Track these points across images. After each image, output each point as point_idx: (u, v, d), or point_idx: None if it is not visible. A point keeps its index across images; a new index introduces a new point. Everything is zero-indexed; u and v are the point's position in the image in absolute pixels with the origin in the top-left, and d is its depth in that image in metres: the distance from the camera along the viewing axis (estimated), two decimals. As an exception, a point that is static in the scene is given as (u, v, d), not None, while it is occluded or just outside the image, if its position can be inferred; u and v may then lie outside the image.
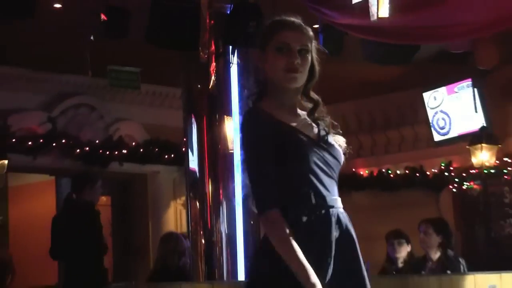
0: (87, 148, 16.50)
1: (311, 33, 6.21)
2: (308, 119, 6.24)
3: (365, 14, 9.61)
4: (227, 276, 12.47)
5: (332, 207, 5.94)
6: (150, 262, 15.52)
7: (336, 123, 6.32)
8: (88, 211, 14.06)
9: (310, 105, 6.32)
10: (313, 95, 6.35)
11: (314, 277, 5.62)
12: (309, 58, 6.12)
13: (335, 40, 13.27)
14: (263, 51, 6.15)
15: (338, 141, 6.22)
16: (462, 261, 13.43)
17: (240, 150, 6.34)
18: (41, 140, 16.06)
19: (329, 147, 6.05)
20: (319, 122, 6.22)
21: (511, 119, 17.62)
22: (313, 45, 6.20)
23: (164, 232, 15.23)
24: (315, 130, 6.14)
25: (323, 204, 5.86)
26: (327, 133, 6.16)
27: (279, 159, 5.80)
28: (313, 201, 5.81)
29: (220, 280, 12.20)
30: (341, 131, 6.25)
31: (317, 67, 6.19)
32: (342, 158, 6.15)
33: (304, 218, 5.77)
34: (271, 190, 5.77)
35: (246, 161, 5.98)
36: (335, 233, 5.92)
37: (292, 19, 6.26)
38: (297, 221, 5.73)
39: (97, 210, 14.43)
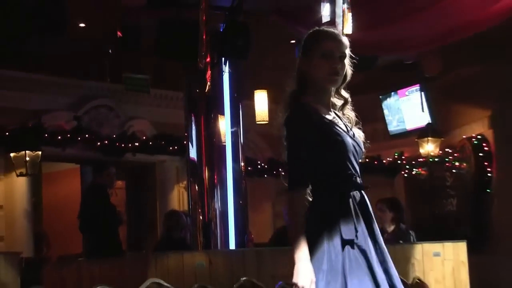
0: (106, 141, 16.53)
1: (347, 42, 6.33)
2: (337, 113, 6.30)
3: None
4: (220, 246, 12.57)
5: (363, 187, 6.04)
6: (158, 235, 15.67)
7: (358, 119, 6.37)
8: (100, 193, 14.37)
9: (339, 102, 6.36)
10: (344, 93, 6.40)
11: (303, 255, 5.75)
12: (346, 63, 6.22)
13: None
14: (306, 57, 6.27)
15: (359, 134, 6.29)
16: (412, 233, 13.59)
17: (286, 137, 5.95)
18: (68, 135, 16.10)
19: (355, 138, 6.14)
20: (346, 116, 6.34)
21: (452, 116, 17.74)
22: (348, 52, 6.29)
23: (168, 210, 15.43)
24: (343, 123, 6.21)
25: (360, 185, 5.98)
26: (352, 127, 6.27)
27: (324, 147, 5.96)
28: (358, 181, 5.96)
29: (215, 249, 12.40)
30: (361, 127, 6.27)
31: (349, 71, 6.26)
32: (363, 148, 6.22)
33: (351, 195, 5.90)
34: (300, 173, 5.92)
35: (288, 146, 5.99)
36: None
37: (333, 30, 6.41)
38: (344, 197, 5.87)
39: (106, 192, 14.63)
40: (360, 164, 6.12)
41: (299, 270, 5.78)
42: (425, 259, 12.15)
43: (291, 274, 7.60)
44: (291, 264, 5.68)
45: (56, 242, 16.14)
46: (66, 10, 11.42)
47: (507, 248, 16.30)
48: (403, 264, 11.84)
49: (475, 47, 14.13)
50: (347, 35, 9.75)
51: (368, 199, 6.01)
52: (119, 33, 12.13)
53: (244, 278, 8.91)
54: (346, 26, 9.63)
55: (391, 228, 13.37)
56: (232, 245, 12.71)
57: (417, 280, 11.58)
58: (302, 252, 5.77)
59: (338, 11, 9.58)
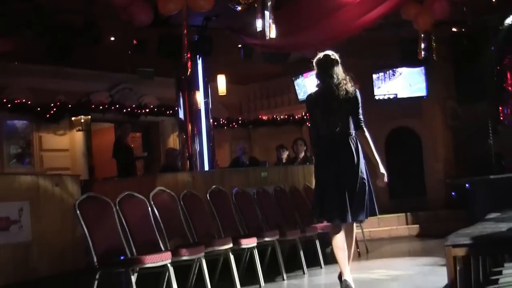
0: (128, 109, 16.58)
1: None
2: None
3: (263, 37, 9.77)
4: (199, 168, 12.73)
5: None
6: (161, 163, 15.77)
7: None
8: (119, 142, 14.83)
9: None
10: None
11: (379, 160, 6.67)
12: None
13: (248, 52, 13.47)
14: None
15: None
16: (313, 157, 13.78)
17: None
18: (106, 106, 16.11)
19: None
20: None
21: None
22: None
23: (167, 148, 15.49)
24: None
25: None
26: None
27: None
28: None
29: (196, 171, 12.49)
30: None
31: None
32: None
33: None
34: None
35: (359, 105, 6.60)
36: None
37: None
38: None
39: (125, 139, 15.27)
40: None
41: (381, 166, 6.63)
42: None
43: (245, 185, 8.14)
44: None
45: (100, 170, 16.15)
46: (101, 29, 11.47)
47: (369, 166, 16.41)
48: (309, 177, 11.82)
49: (347, 48, 14.18)
50: (271, 39, 9.92)
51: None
52: (134, 41, 12.19)
53: (214, 186, 9.00)
54: (271, 33, 9.66)
55: (301, 155, 13.46)
56: (206, 168, 12.83)
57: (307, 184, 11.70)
58: (378, 158, 6.62)
59: (266, 24, 9.60)
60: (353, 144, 6.54)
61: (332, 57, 6.81)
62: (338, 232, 6.54)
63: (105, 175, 14.63)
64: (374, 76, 15.84)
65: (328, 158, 6.60)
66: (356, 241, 10.90)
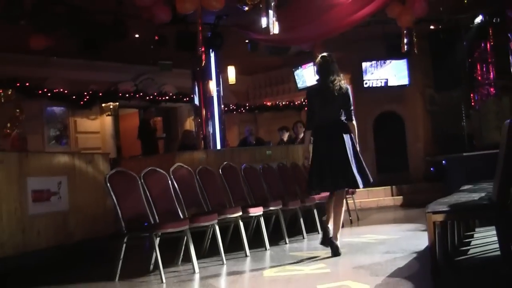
0: (151, 97, 16.55)
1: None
2: None
3: (267, 33, 9.74)
4: (212, 147, 12.68)
5: None
6: (178, 143, 15.66)
7: None
8: (145, 123, 14.56)
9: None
10: None
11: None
12: None
13: (254, 46, 13.42)
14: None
15: None
16: (312, 139, 13.72)
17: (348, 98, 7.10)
18: (131, 94, 16.08)
19: None
20: None
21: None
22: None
23: (184, 130, 15.44)
24: None
25: None
26: None
27: None
28: None
29: (209, 149, 12.45)
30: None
31: None
32: None
33: None
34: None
35: (350, 100, 7.07)
36: None
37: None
38: None
39: (149, 122, 15.08)
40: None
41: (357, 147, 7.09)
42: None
43: (252, 161, 8.08)
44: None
45: (126, 149, 16.16)
46: (127, 27, 11.43)
47: (360, 146, 16.40)
48: (296, 155, 11.86)
49: (339, 42, 14.13)
50: (274, 34, 9.88)
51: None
52: (156, 37, 12.13)
53: (225, 162, 8.97)
54: (274, 29, 9.62)
55: (301, 136, 13.35)
56: (218, 147, 12.79)
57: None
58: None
59: (270, 22, 9.55)
60: (342, 128, 6.98)
61: (328, 58, 7.36)
62: (330, 197, 7.18)
63: (130, 154, 14.65)
64: (367, 64, 15.90)
65: (322, 139, 7.06)
66: (348, 210, 11.07)
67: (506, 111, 13.91)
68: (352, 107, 7.07)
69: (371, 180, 7.17)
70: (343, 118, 7.04)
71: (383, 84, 15.85)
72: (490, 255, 6.10)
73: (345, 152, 6.90)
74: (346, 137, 6.97)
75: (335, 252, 6.91)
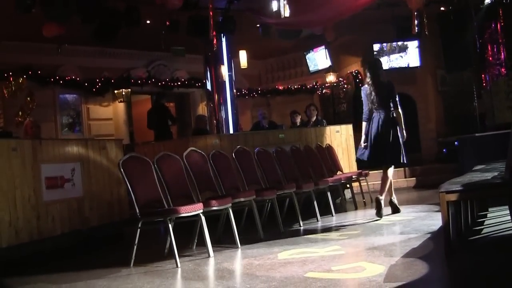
0: (163, 82, 16.55)
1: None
2: None
3: (278, 16, 9.71)
4: (225, 131, 12.66)
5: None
6: (192, 128, 15.67)
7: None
8: (162, 106, 14.48)
9: None
10: None
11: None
12: None
13: (266, 30, 13.38)
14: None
15: None
16: (324, 121, 13.68)
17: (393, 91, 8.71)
18: (144, 80, 16.11)
19: None
20: None
21: (341, 61, 17.58)
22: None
23: (197, 115, 15.39)
24: None
25: None
26: None
27: None
28: None
29: (222, 134, 12.41)
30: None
31: None
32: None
33: None
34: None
35: (395, 92, 8.70)
36: None
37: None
38: None
39: (166, 106, 14.93)
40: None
41: (404, 131, 8.62)
42: (332, 134, 12.18)
43: (265, 145, 8.13)
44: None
45: (139, 135, 16.21)
46: (139, 13, 11.41)
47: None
48: (320, 138, 11.89)
49: (350, 26, 14.06)
50: (285, 18, 9.84)
51: None
52: (167, 22, 12.10)
53: (238, 146, 8.94)
54: (285, 12, 9.60)
55: (313, 119, 13.40)
56: (231, 131, 12.75)
57: (328, 145, 11.65)
58: (404, 126, 8.60)
59: (281, 5, 9.54)
60: (390, 116, 8.60)
61: (378, 62, 9.19)
62: (383, 170, 8.83)
63: (143, 140, 14.65)
64: (377, 46, 15.96)
65: (375, 124, 8.65)
66: (362, 192, 11.04)
67: (517, 91, 13.81)
68: (397, 98, 8.63)
69: (406, 162, 8.80)
70: (390, 107, 8.62)
71: (394, 66, 15.76)
72: (503, 234, 6.09)
73: (390, 135, 8.54)
74: (392, 122, 8.58)
75: (395, 209, 8.85)
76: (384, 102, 8.61)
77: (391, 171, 8.79)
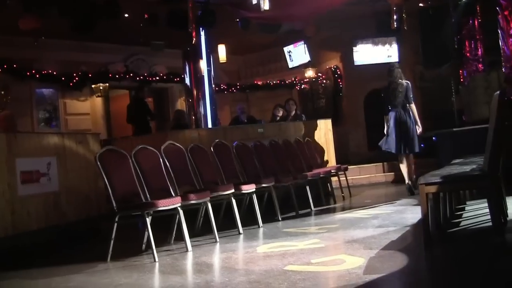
0: (142, 77, 16.46)
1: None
2: None
3: (258, 9, 9.66)
4: (203, 126, 12.60)
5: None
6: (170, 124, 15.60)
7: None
8: (141, 101, 14.37)
9: None
10: None
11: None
12: None
13: (245, 24, 13.35)
14: None
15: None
16: (303, 116, 13.62)
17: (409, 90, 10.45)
18: (122, 75, 15.99)
19: None
20: None
21: (321, 56, 17.59)
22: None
23: (176, 109, 15.33)
24: None
25: None
26: None
27: None
28: None
29: (201, 128, 12.35)
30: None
31: None
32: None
33: None
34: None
35: (411, 92, 10.43)
36: None
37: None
38: None
39: (144, 101, 14.80)
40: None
41: (419, 124, 10.37)
42: (310, 129, 12.15)
43: (244, 139, 8.05)
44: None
45: (117, 131, 16.08)
46: (119, 7, 11.31)
47: (351, 123, 16.43)
48: (299, 132, 11.85)
49: (330, 21, 14.06)
50: (265, 11, 9.82)
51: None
52: (146, 15, 12.03)
53: (217, 140, 8.88)
54: (265, 5, 9.56)
55: (292, 113, 13.35)
56: (209, 126, 12.69)
57: (307, 139, 11.63)
58: (418, 120, 10.37)
59: (261, -1, 9.54)
60: (407, 110, 10.34)
61: (397, 66, 10.71)
62: (402, 158, 10.49)
63: (122, 135, 14.55)
64: (357, 42, 16.00)
65: (395, 117, 10.34)
66: (341, 186, 11.04)
67: (494, 87, 13.87)
68: (411, 95, 10.40)
69: (418, 150, 10.47)
70: (406, 103, 10.34)
71: (373, 62, 15.78)
72: (481, 227, 6.11)
73: (408, 127, 10.27)
74: (409, 116, 10.30)
75: (411, 192, 10.29)
76: (402, 99, 10.29)
77: (411, 157, 10.57)
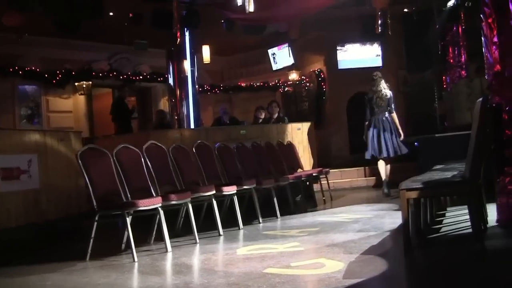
0: (125, 76, 16.41)
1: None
2: None
3: (243, 11, 9.65)
4: (186, 126, 12.59)
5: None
6: (153, 123, 15.56)
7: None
8: (121, 100, 14.31)
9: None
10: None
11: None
12: None
13: (230, 25, 13.34)
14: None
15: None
16: (286, 118, 13.56)
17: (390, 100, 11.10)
18: (105, 73, 15.97)
19: None
20: None
21: (305, 59, 17.62)
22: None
23: (158, 109, 15.30)
24: None
25: None
26: None
27: None
28: None
29: (184, 128, 12.33)
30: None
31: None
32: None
33: None
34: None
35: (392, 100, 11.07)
36: None
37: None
38: None
39: (122, 99, 14.78)
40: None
41: (401, 131, 11.06)
42: (293, 131, 12.16)
43: (227, 140, 7.99)
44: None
45: (100, 129, 16.01)
46: (103, 5, 11.24)
47: (333, 126, 16.44)
48: (282, 135, 11.85)
49: (315, 24, 14.08)
50: (250, 13, 9.79)
51: None
52: (130, 14, 11.98)
53: (199, 141, 8.84)
54: (250, 7, 9.53)
55: (275, 115, 13.31)
56: (192, 126, 12.66)
57: (289, 142, 11.62)
58: (399, 127, 11.02)
59: (246, 0, 9.49)
60: (388, 118, 11.02)
61: (379, 76, 11.32)
62: (381, 161, 11.15)
63: (104, 132, 14.53)
64: (341, 45, 16.05)
65: (376, 124, 10.98)
66: (322, 190, 11.04)
67: (477, 93, 13.93)
68: (393, 105, 11.10)
69: (399, 152, 11.16)
70: (387, 112, 11.02)
71: (356, 66, 15.81)
72: (461, 233, 6.12)
73: (389, 133, 10.96)
74: (389, 123, 11.01)
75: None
76: (384, 107, 10.97)
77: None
